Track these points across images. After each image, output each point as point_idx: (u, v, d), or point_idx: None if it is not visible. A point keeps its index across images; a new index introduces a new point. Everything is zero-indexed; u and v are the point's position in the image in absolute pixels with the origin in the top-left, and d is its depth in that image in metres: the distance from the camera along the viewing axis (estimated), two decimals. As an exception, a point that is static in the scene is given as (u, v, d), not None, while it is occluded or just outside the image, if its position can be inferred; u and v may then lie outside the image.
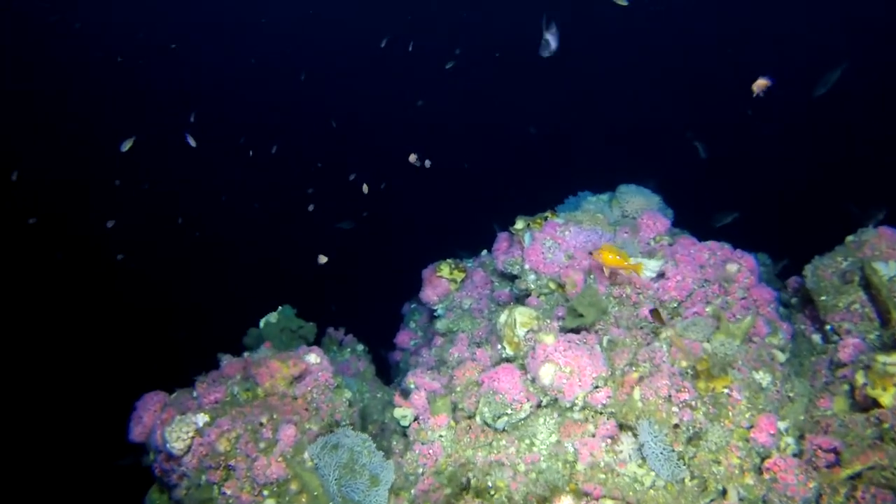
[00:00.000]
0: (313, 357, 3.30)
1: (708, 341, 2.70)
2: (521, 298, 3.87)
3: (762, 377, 2.52)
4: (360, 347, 4.61)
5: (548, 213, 4.03)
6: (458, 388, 3.24)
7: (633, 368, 2.75)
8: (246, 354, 3.79)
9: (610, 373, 2.82)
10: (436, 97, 12.34)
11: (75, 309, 9.18)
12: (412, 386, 3.45)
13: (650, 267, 3.37)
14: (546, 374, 2.81)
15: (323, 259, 5.25)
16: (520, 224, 4.03)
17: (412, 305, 4.99)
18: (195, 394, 3.17)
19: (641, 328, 3.09)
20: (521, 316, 3.29)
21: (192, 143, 6.56)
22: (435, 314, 4.30)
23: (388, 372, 5.11)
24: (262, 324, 4.50)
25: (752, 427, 2.40)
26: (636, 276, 3.35)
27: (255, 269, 10.36)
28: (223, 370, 3.58)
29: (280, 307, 4.58)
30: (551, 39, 5.70)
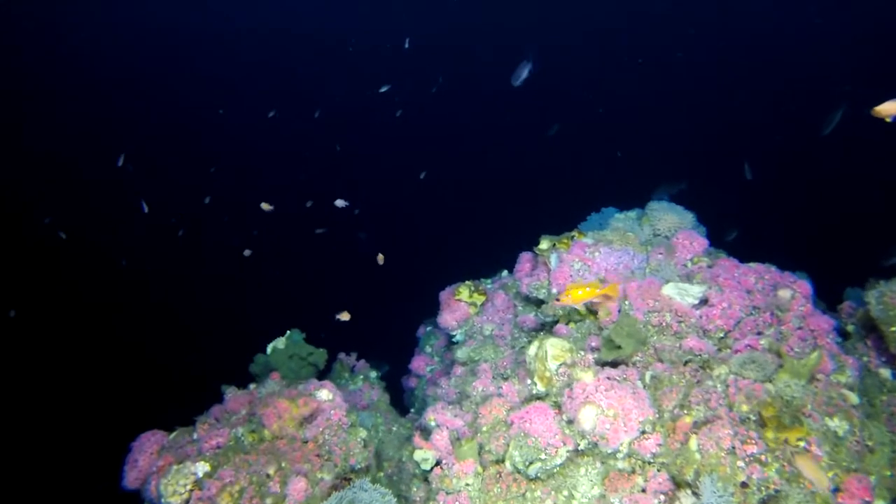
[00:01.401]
0: (325, 393, 2.98)
1: (770, 381, 2.36)
2: (548, 325, 3.53)
3: (838, 424, 2.18)
4: (374, 374, 4.28)
5: (574, 233, 3.70)
6: (485, 428, 2.91)
7: (685, 412, 2.41)
8: (252, 387, 3.48)
9: (658, 416, 2.48)
10: (451, 109, 12.05)
11: (77, 324, 8.87)
12: (433, 423, 3.12)
13: (692, 293, 3.03)
14: (587, 417, 2.47)
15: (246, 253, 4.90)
16: (545, 244, 3.71)
17: (427, 328, 4.66)
18: (196, 435, 2.84)
19: (687, 363, 2.74)
20: (553, 348, 2.96)
21: (126, 165, 6.43)
22: (453, 340, 3.97)
23: (402, 396, 4.78)
24: (269, 349, 4.17)
25: (838, 490, 2.05)
26: (677, 303, 3.01)
27: (264, 287, 10.03)
28: (227, 404, 3.26)
29: (288, 332, 4.26)
30: (523, 71, 5.52)
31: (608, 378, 2.62)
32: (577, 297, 2.89)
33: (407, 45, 7.30)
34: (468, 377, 3.43)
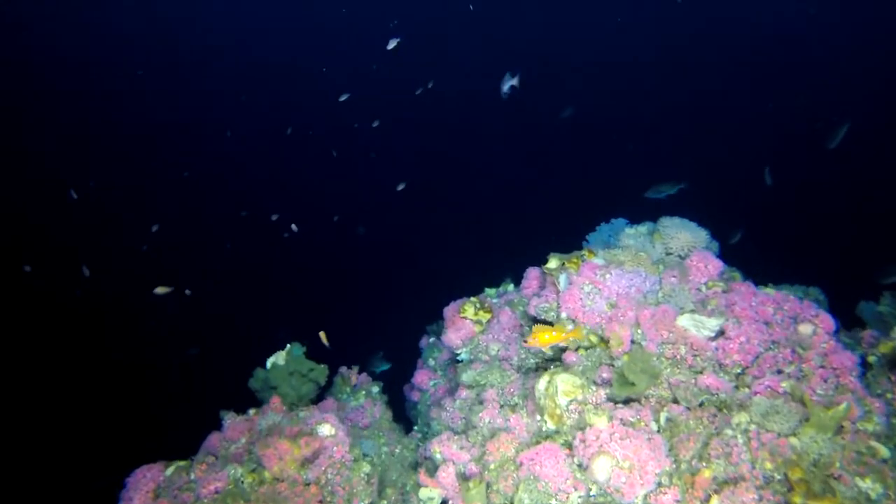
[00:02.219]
0: (327, 429, 2.85)
1: (795, 434, 2.23)
2: (556, 352, 3.40)
3: (870, 486, 2.06)
4: (375, 389, 4.16)
5: (584, 252, 3.55)
6: (493, 466, 2.79)
7: (704, 464, 2.28)
8: (251, 412, 3.35)
9: (675, 466, 2.35)
10: (458, 113, 11.74)
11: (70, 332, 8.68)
12: (438, 456, 3.01)
13: (708, 325, 2.88)
14: (601, 468, 2.35)
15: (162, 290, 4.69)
16: (553, 263, 3.55)
17: (430, 339, 4.53)
18: (193, 475, 2.72)
19: (703, 405, 2.61)
20: (564, 384, 2.83)
21: (74, 195, 6.25)
22: (458, 359, 3.84)
23: (402, 403, 4.68)
24: (269, 365, 4.04)
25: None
26: (693, 335, 2.87)
27: (264, 293, 9.84)
28: (226, 432, 3.14)
29: (288, 345, 4.12)
30: (506, 84, 5.41)
31: (623, 423, 2.49)
32: (543, 340, 2.91)
33: (392, 46, 6.87)
34: (474, 404, 3.31)
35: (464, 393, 3.52)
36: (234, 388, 4.27)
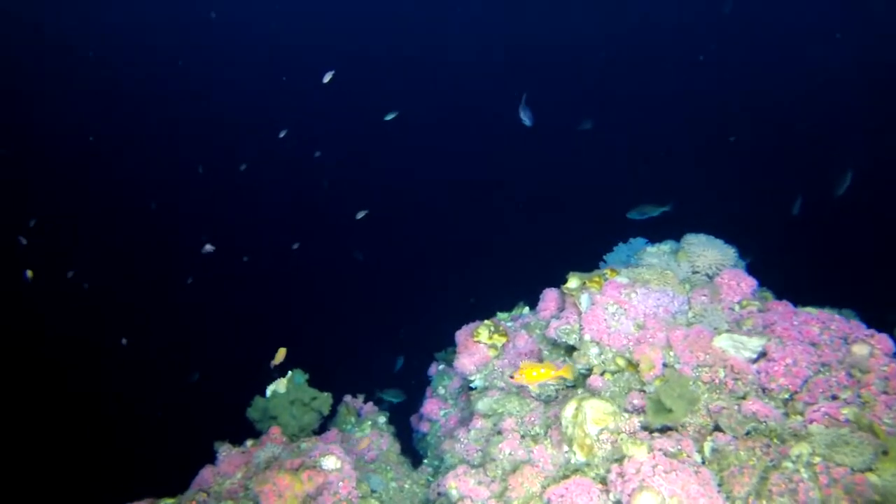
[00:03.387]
0: (332, 462, 2.54)
1: (872, 470, 1.93)
2: (580, 376, 3.11)
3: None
4: (382, 420, 3.85)
5: (606, 271, 3.29)
6: (516, 503, 2.48)
7: (763, 502, 1.98)
8: (248, 444, 3.05)
9: (729, 504, 2.05)
10: (468, 121, 11.55)
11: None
12: (454, 492, 2.69)
13: (749, 346, 2.61)
14: (645, 507, 2.04)
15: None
16: (574, 283, 3.29)
17: (440, 366, 4.22)
18: (183, 514, 2.40)
19: (750, 434, 2.32)
20: (594, 411, 2.53)
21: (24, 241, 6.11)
22: (472, 386, 3.53)
23: (408, 437, 4.35)
24: (268, 393, 3.73)
25: None
26: (732, 357, 2.59)
27: (263, 313, 9.50)
28: (220, 466, 2.84)
29: (290, 372, 3.82)
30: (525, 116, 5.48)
31: (664, 454, 2.20)
32: (531, 377, 2.74)
33: (327, 80, 6.65)
34: (492, 435, 3.00)
35: (479, 423, 3.21)
36: (230, 418, 3.96)
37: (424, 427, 4.00)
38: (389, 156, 11.93)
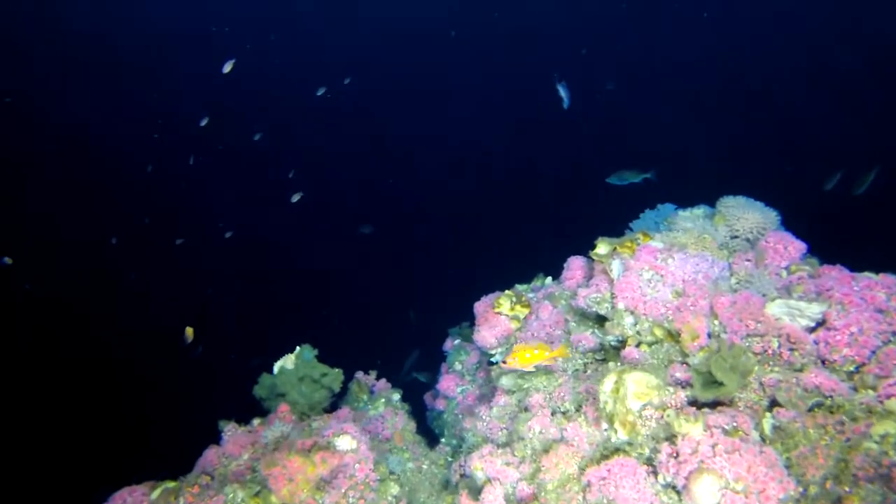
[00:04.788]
0: (347, 441, 2.28)
1: (974, 451, 1.66)
2: (611, 348, 2.83)
3: None
4: (396, 397, 3.58)
5: (639, 235, 2.99)
6: (550, 486, 2.21)
7: (848, 489, 1.70)
8: (255, 422, 2.78)
9: (801, 490, 1.77)
10: (480, 99, 11.13)
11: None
12: (480, 473, 2.43)
13: (808, 312, 2.32)
14: (706, 492, 1.77)
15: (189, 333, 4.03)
16: (603, 248, 3.00)
17: (455, 341, 3.95)
18: (182, 500, 2.14)
19: (813, 411, 2.04)
20: (636, 385, 2.25)
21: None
22: (491, 360, 3.26)
23: (422, 416, 4.09)
24: (276, 369, 3.47)
25: None
26: (788, 325, 2.30)
27: (267, 291, 9.21)
28: (225, 447, 2.58)
29: (298, 348, 3.55)
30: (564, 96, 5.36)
31: (723, 431, 1.92)
32: (524, 360, 2.54)
33: (227, 69, 6.27)
34: (517, 413, 2.73)
35: (502, 399, 2.94)
36: (236, 396, 3.71)
37: (440, 405, 3.74)
38: (400, 137, 11.58)
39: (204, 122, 7.10)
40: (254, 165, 10.93)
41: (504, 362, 2.66)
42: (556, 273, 3.73)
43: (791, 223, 3.23)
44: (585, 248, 3.40)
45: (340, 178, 11.01)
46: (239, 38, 13.48)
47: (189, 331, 3.53)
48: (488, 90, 11.73)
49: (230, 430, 2.67)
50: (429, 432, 3.89)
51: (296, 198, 6.08)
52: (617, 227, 3.92)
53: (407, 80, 12.15)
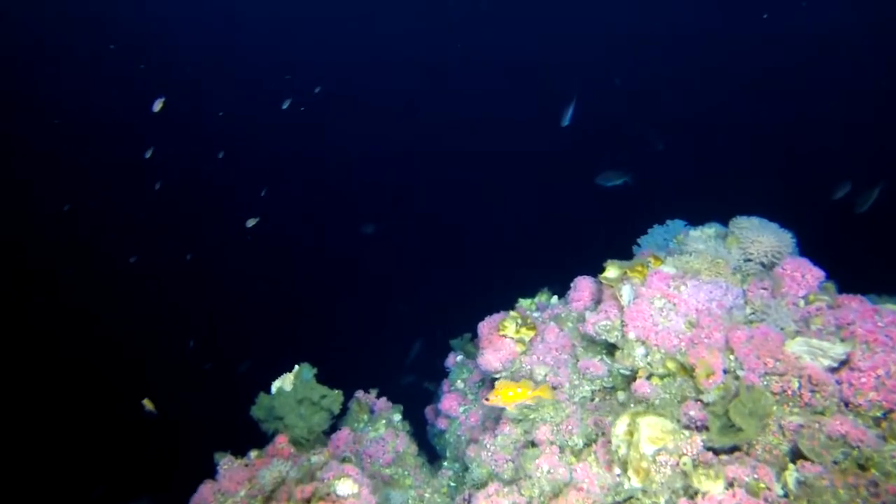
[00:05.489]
0: (348, 486, 2.16)
1: None
2: (619, 375, 2.71)
3: None
4: (397, 417, 3.46)
5: (650, 258, 2.85)
6: (560, 535, 2.09)
7: (881, 560, 1.58)
8: (253, 455, 2.66)
9: (832, 558, 1.65)
10: (485, 105, 10.92)
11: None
12: (486, 515, 2.30)
13: (831, 353, 2.19)
14: (730, 561, 1.65)
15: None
16: (613, 272, 2.86)
17: (458, 357, 3.82)
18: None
19: (839, 463, 1.91)
20: (650, 428, 2.13)
21: None
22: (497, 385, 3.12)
23: (420, 426, 3.98)
24: (274, 389, 3.33)
25: None
26: (809, 366, 2.17)
27: (261, 308, 8.94)
28: (221, 482, 2.45)
29: (297, 366, 3.41)
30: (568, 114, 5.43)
31: (747, 490, 1.79)
32: (506, 398, 2.45)
33: (157, 108, 6.08)
34: (524, 446, 2.61)
35: (506, 428, 2.82)
36: (233, 418, 3.58)
37: (442, 424, 3.61)
38: (403, 140, 11.34)
39: (149, 154, 6.78)
40: (255, 167, 10.74)
41: (486, 399, 2.53)
42: (559, 280, 3.59)
43: (787, 225, 3.09)
44: (590, 262, 3.26)
45: (341, 182, 10.82)
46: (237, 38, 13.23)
47: (147, 402, 3.43)
48: (490, 94, 11.50)
49: (226, 463, 2.55)
50: (428, 445, 3.78)
51: (251, 223, 5.94)
52: (618, 239, 3.79)
53: (409, 85, 11.92)
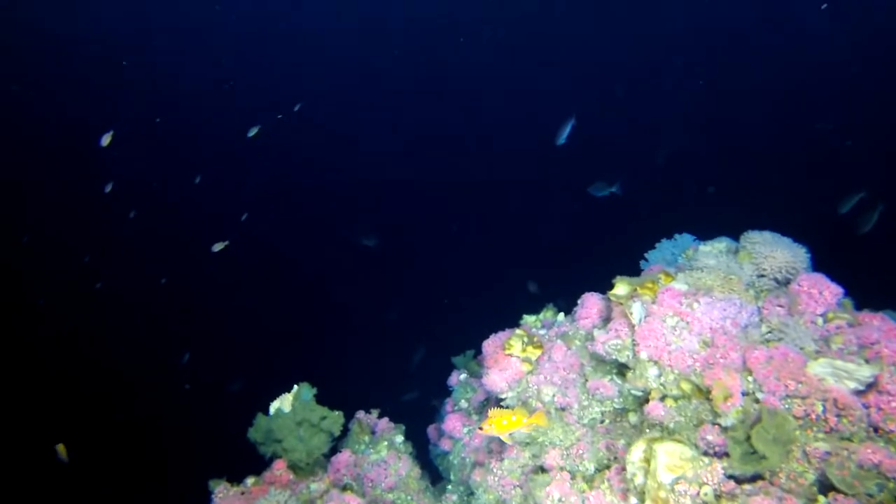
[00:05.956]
0: (349, 519, 2.02)
1: None
2: (630, 396, 2.58)
3: None
4: (399, 439, 3.33)
5: (661, 276, 2.73)
6: (574, 570, 1.96)
7: None
8: (249, 482, 2.52)
9: None
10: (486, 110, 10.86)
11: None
12: (494, 547, 2.16)
13: (857, 375, 2.06)
14: None
15: None
16: (622, 289, 2.74)
17: (461, 376, 3.69)
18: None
19: (873, 497, 1.79)
20: (668, 456, 2.00)
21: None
22: (502, 405, 3.00)
23: (421, 443, 3.84)
24: (272, 411, 3.20)
25: None
26: (834, 388, 2.05)
27: (258, 325, 8.76)
28: (216, 512, 2.30)
29: (296, 386, 3.28)
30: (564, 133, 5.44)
31: (775, 525, 1.67)
32: (501, 427, 2.34)
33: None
34: (533, 471, 2.48)
35: (514, 451, 2.69)
36: (229, 438, 3.45)
37: (445, 445, 3.47)
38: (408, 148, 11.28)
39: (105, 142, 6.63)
40: (254, 168, 10.64)
41: (480, 429, 2.41)
42: (565, 294, 3.48)
43: (799, 238, 2.98)
44: (596, 276, 3.15)
45: (341, 186, 10.72)
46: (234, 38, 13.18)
47: (61, 448, 3.35)
48: (492, 99, 11.43)
49: (221, 491, 2.42)
50: (430, 463, 3.65)
51: (218, 247, 5.81)
52: (615, 251, 3.66)
53: (414, 90, 11.86)
